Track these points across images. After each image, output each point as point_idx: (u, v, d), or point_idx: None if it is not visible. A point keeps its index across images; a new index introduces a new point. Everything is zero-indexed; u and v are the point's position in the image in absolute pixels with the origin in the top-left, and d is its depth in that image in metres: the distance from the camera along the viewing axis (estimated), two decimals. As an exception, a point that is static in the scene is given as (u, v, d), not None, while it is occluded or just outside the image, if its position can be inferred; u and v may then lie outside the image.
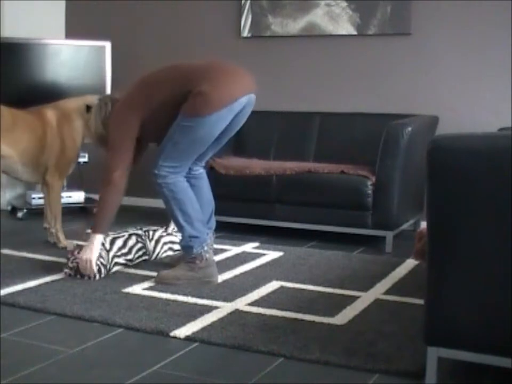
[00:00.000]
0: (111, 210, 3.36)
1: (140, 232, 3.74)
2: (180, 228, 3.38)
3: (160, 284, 3.35)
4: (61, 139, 4.06)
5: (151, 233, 3.78)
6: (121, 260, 3.54)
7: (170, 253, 3.88)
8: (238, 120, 3.41)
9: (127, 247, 3.59)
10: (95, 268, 3.38)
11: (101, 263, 3.40)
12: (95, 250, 3.38)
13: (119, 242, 3.56)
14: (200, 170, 3.59)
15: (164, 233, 3.87)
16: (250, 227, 4.56)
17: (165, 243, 3.85)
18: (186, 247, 3.39)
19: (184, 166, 3.37)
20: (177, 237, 3.95)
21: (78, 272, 3.42)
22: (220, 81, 3.25)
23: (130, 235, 3.66)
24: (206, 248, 3.38)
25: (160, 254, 3.81)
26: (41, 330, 2.76)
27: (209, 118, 3.20)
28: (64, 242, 4.07)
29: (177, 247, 3.92)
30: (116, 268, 3.53)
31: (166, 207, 3.40)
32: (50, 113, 4.08)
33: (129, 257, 3.60)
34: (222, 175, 4.47)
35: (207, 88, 3.18)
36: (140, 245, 3.67)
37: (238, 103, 3.29)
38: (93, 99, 4.17)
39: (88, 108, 4.10)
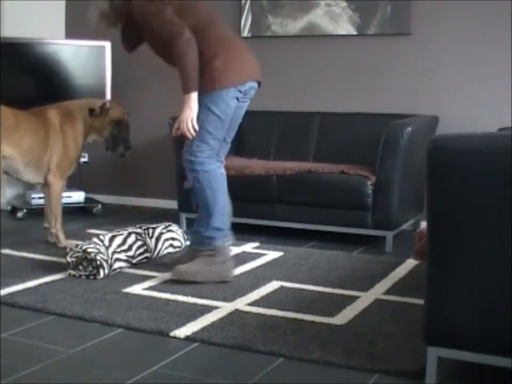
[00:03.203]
0: (195, 65, 3.25)
1: (139, 230, 3.74)
2: (209, 218, 3.36)
3: (179, 280, 3.33)
4: (63, 140, 4.07)
5: (150, 230, 3.80)
6: (122, 256, 3.55)
7: (171, 249, 3.89)
8: (241, 109, 3.45)
9: (126, 245, 3.60)
10: (196, 126, 3.30)
11: (102, 258, 3.40)
12: (194, 108, 3.28)
13: (118, 240, 3.57)
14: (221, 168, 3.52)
15: (164, 230, 3.88)
16: (250, 227, 4.56)
17: (166, 240, 3.86)
18: (208, 237, 3.37)
19: (215, 148, 3.39)
20: (178, 234, 3.97)
21: (77, 267, 3.43)
22: (234, 60, 3.36)
23: (129, 233, 3.67)
24: (226, 243, 3.38)
25: (161, 251, 3.82)
26: (41, 330, 2.76)
27: (226, 92, 3.30)
28: (64, 242, 4.07)
29: (177, 243, 3.94)
30: (118, 264, 3.52)
31: (199, 195, 3.39)
32: (53, 113, 4.09)
33: (130, 253, 3.60)
34: (222, 175, 4.47)
35: (222, 63, 3.29)
36: (139, 242, 3.68)
37: (247, 86, 3.38)
38: (96, 102, 4.18)
39: (91, 111, 4.12)
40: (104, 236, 3.57)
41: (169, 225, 3.97)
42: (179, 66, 3.28)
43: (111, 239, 3.55)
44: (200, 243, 3.42)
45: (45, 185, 4.12)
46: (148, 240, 3.74)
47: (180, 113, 3.31)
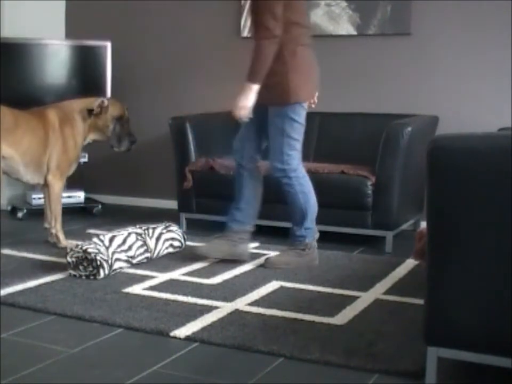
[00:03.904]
0: (268, 62, 3.40)
1: (139, 230, 3.75)
2: (302, 219, 3.65)
3: (270, 269, 3.62)
4: (63, 140, 4.07)
5: (150, 231, 3.80)
6: (122, 256, 3.55)
7: (171, 249, 3.90)
8: None
9: (126, 245, 3.60)
10: (248, 115, 3.46)
11: (102, 258, 3.40)
12: (251, 98, 3.42)
13: (118, 240, 3.57)
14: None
15: (164, 230, 3.88)
16: (250, 227, 4.55)
17: (166, 240, 3.86)
18: (300, 236, 3.68)
19: (300, 155, 3.62)
20: (178, 233, 3.97)
21: (77, 268, 3.43)
22: (311, 74, 3.62)
23: (129, 233, 3.68)
24: (315, 237, 3.74)
25: (161, 251, 3.82)
26: (41, 330, 2.77)
27: (303, 104, 3.56)
28: (64, 242, 4.07)
29: (177, 243, 3.94)
30: (118, 264, 3.52)
31: (293, 200, 3.64)
32: (52, 113, 4.09)
33: (130, 253, 3.60)
34: (222, 175, 4.47)
35: (304, 77, 3.53)
36: (140, 242, 3.68)
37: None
38: (94, 101, 4.17)
39: (90, 111, 4.12)
40: (104, 236, 3.57)
41: (169, 225, 3.97)
42: (254, 56, 3.41)
43: (111, 239, 3.55)
44: (293, 240, 3.73)
45: (45, 186, 4.12)
46: (148, 240, 3.74)
47: (236, 98, 3.45)
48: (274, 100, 3.48)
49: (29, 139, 3.97)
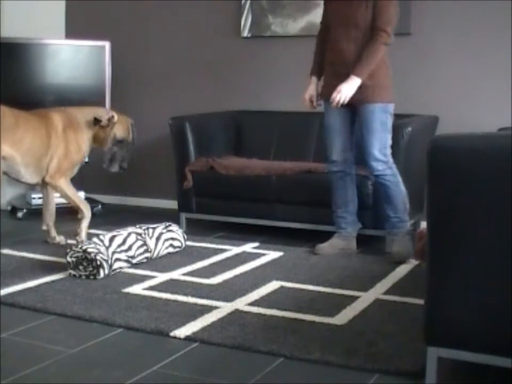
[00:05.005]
0: (377, 64, 3.76)
1: (139, 230, 3.75)
2: (405, 205, 3.88)
3: (400, 262, 3.78)
4: (65, 143, 4.04)
5: (150, 231, 3.80)
6: (122, 256, 3.55)
7: (171, 249, 3.90)
8: None
9: (126, 244, 3.60)
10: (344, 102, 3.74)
11: (102, 258, 3.40)
12: (354, 90, 3.72)
13: (118, 240, 3.57)
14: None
15: (164, 230, 3.88)
16: (250, 227, 4.56)
17: (166, 240, 3.86)
18: (402, 221, 3.90)
19: None
20: (178, 233, 3.97)
21: (77, 267, 3.43)
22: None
23: (129, 233, 3.68)
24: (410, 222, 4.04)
25: (161, 251, 3.82)
26: (41, 330, 2.77)
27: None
28: (82, 236, 4.04)
29: (177, 243, 3.94)
30: (118, 264, 3.52)
31: (396, 191, 3.84)
32: (57, 117, 4.07)
33: (130, 253, 3.60)
34: (222, 175, 4.47)
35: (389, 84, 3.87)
36: (140, 242, 3.68)
37: None
38: (102, 112, 4.13)
39: (96, 121, 4.08)
40: (104, 235, 3.57)
41: (169, 225, 3.97)
42: (369, 56, 3.72)
43: (111, 239, 3.56)
44: (395, 227, 3.91)
45: (43, 186, 4.10)
46: (148, 240, 3.74)
47: (341, 85, 3.72)
48: (381, 97, 3.79)
49: (30, 139, 3.96)
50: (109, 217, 5.03)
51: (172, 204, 5.07)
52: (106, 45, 5.20)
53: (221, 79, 5.29)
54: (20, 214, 4.98)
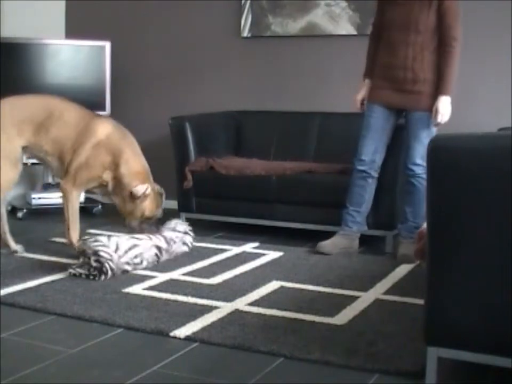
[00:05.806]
0: (456, 74, 3.82)
1: (157, 241, 3.71)
2: (422, 220, 3.80)
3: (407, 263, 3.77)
4: (92, 159, 3.78)
5: (157, 235, 3.76)
6: (130, 268, 3.52)
7: (185, 248, 3.88)
8: None
9: (139, 258, 3.57)
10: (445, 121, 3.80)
11: (110, 266, 3.39)
12: (449, 105, 3.78)
13: (135, 251, 3.55)
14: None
15: (179, 235, 3.86)
16: (250, 227, 4.56)
17: (174, 241, 3.84)
18: (417, 227, 3.78)
19: None
20: (186, 234, 3.95)
21: (82, 266, 3.43)
22: None
23: (151, 246, 3.65)
24: None
25: (174, 252, 3.81)
26: (41, 330, 2.76)
27: None
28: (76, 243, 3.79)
29: (188, 239, 3.92)
30: (123, 269, 3.51)
31: (421, 193, 3.83)
32: (104, 130, 3.80)
33: (141, 266, 3.59)
34: (222, 175, 4.48)
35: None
36: (155, 258, 3.67)
37: None
38: (144, 188, 3.77)
39: (132, 195, 3.77)
40: (123, 241, 3.52)
41: (187, 232, 3.93)
42: (448, 65, 3.78)
43: (129, 249, 3.51)
44: (410, 231, 3.89)
45: (61, 191, 3.88)
46: (164, 254, 3.72)
47: (437, 107, 3.77)
48: (430, 105, 3.80)
49: (57, 129, 3.77)
50: (109, 217, 5.02)
51: (172, 204, 5.06)
52: (106, 45, 5.20)
53: (221, 79, 5.29)
54: (20, 214, 4.98)
